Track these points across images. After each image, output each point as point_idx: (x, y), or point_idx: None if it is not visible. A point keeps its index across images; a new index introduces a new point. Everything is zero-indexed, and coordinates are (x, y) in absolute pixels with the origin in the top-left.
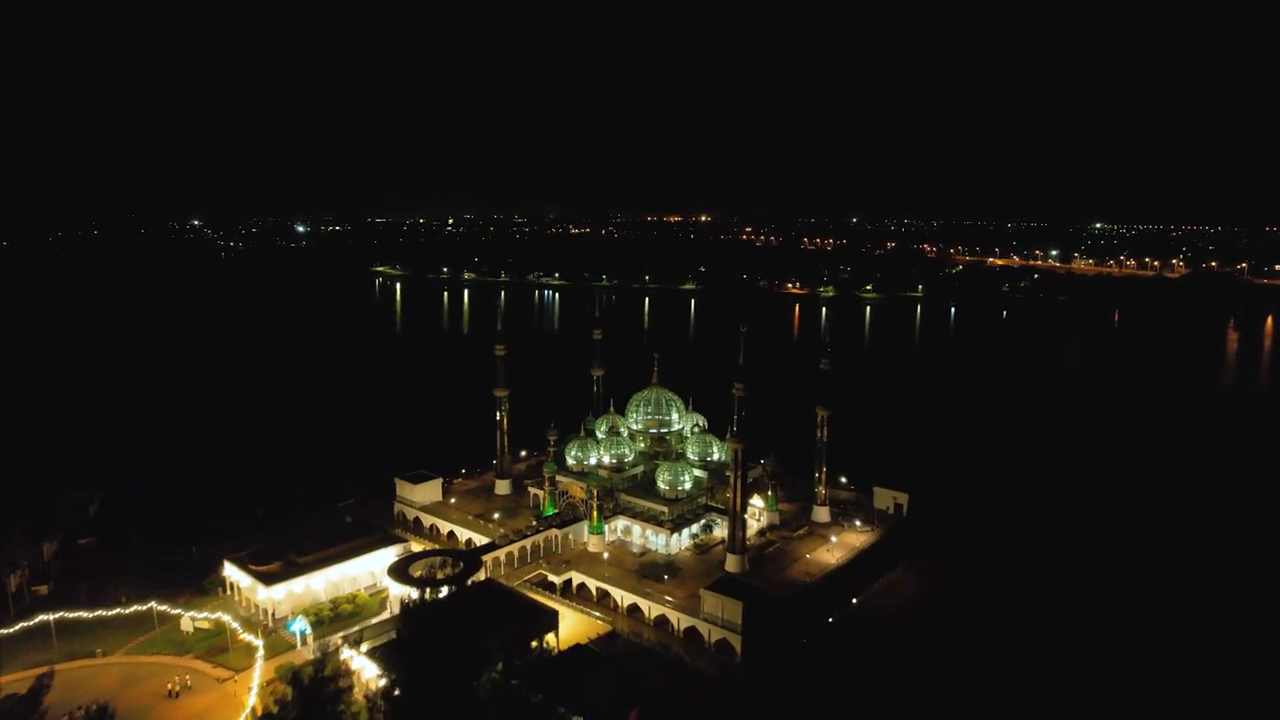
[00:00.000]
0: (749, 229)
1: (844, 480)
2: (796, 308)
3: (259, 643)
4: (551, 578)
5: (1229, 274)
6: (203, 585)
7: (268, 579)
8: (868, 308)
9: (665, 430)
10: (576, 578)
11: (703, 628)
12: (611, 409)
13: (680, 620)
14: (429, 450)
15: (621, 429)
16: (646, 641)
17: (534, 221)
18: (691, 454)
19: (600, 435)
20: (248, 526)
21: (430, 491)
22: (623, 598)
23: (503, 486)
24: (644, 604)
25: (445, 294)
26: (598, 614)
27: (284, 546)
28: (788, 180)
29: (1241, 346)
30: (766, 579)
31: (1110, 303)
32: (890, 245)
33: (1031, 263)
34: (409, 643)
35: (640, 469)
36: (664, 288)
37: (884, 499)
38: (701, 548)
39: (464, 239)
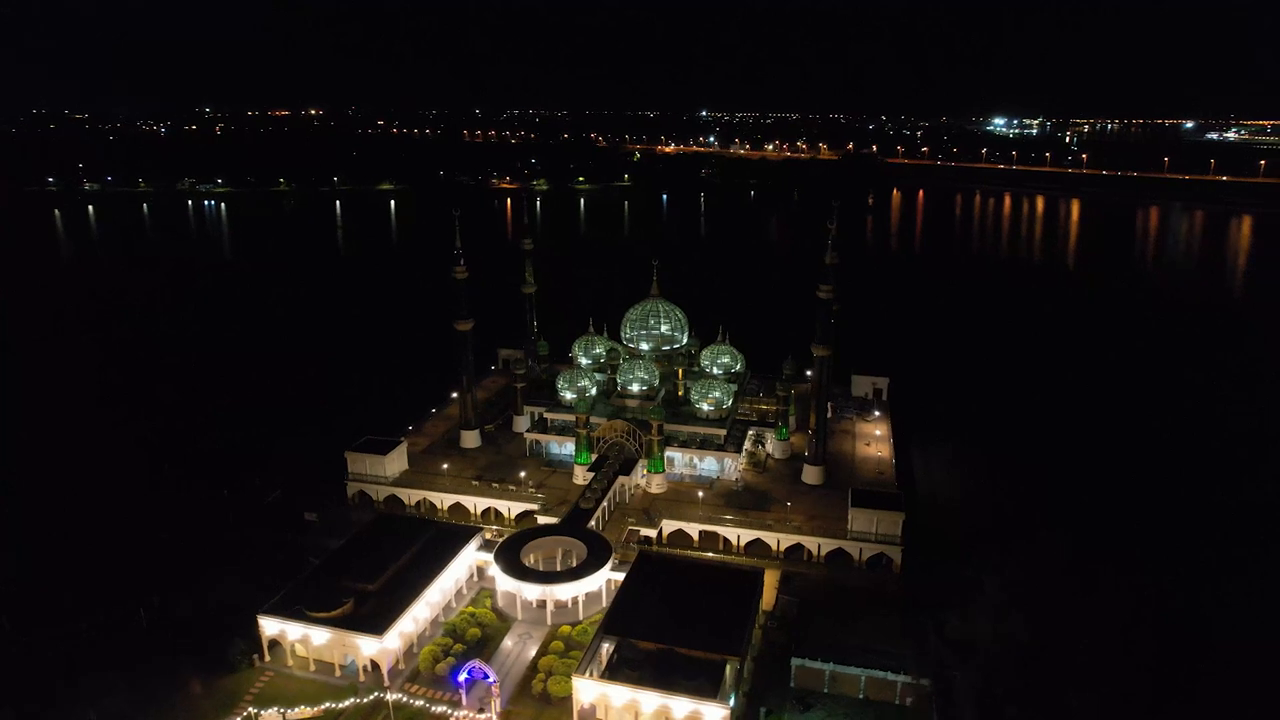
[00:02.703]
0: (393, 124)
1: (809, 373)
2: (509, 202)
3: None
4: (645, 532)
5: (869, 155)
6: (230, 660)
7: (369, 624)
8: (582, 199)
9: (674, 347)
10: (669, 525)
11: (851, 547)
12: (591, 329)
13: (821, 545)
14: (297, 417)
15: (618, 350)
16: (817, 576)
17: (99, 119)
18: (716, 369)
19: (584, 361)
20: (180, 562)
21: (399, 460)
22: (738, 536)
23: (470, 439)
24: (769, 537)
25: (57, 211)
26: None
27: (326, 579)
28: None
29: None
30: (848, 483)
31: (790, 184)
32: (565, 136)
33: (695, 148)
34: None
35: (661, 392)
36: (360, 189)
37: (862, 385)
38: (758, 465)
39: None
